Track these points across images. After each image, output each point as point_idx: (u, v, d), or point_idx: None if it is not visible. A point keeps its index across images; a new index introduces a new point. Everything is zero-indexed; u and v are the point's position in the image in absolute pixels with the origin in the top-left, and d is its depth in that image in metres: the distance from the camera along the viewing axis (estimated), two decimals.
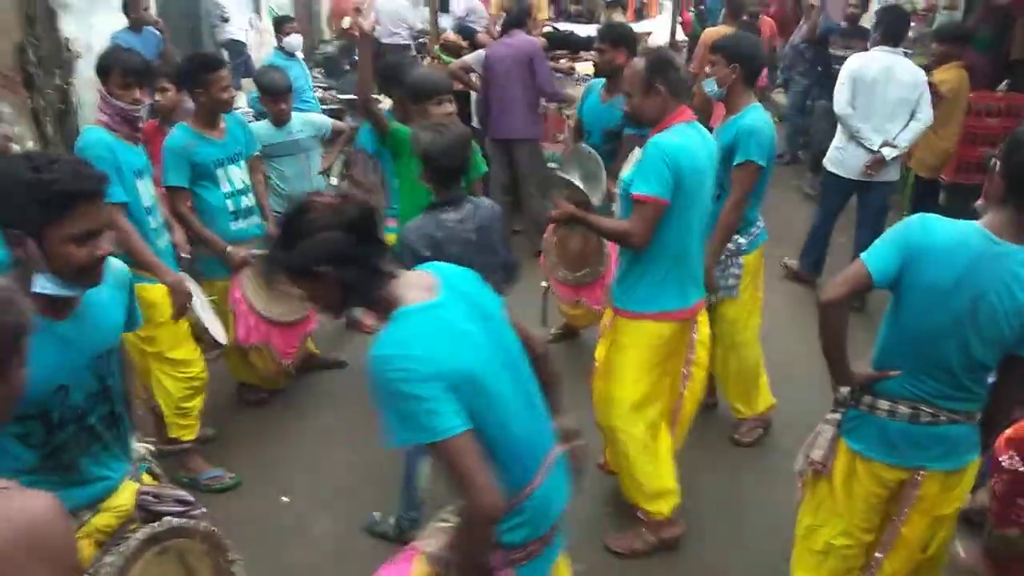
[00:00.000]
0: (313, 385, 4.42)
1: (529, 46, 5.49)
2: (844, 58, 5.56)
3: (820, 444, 2.40)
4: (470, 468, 1.65)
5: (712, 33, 7.64)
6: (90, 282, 1.84)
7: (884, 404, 2.26)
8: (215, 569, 2.01)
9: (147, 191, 3.29)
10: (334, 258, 1.71)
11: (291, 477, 3.66)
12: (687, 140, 2.78)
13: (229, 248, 3.67)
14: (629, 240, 2.83)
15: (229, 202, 3.73)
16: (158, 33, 6.30)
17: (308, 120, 4.62)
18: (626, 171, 2.98)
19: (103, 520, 1.97)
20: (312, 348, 4.46)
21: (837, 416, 2.39)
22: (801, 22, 8.11)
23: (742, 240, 3.46)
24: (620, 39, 4.29)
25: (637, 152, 2.96)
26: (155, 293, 3.24)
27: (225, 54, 7.82)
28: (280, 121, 4.34)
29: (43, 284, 1.74)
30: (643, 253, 2.85)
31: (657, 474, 3.06)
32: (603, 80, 4.45)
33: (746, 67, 3.35)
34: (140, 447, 2.21)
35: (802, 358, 4.06)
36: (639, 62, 2.87)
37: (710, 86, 3.43)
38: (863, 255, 2.19)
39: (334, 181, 5.44)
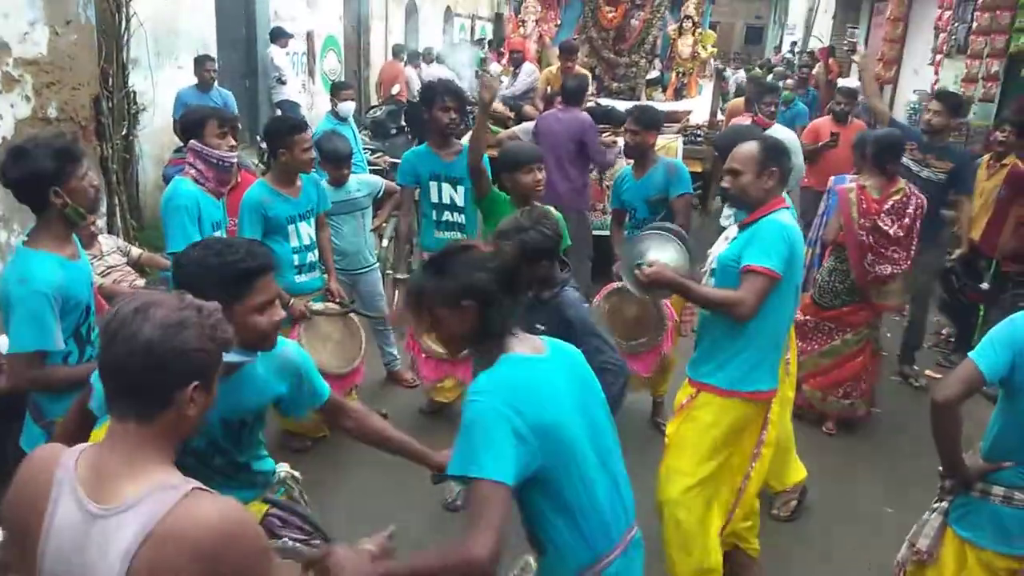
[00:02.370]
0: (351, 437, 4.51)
1: (580, 122, 5.70)
2: (918, 175, 4.93)
3: (927, 532, 2.34)
4: (489, 518, 1.66)
5: (734, 105, 8.03)
6: (269, 346, 2.02)
7: (999, 491, 2.23)
8: None
9: None
10: (484, 296, 1.87)
11: (331, 525, 3.72)
12: (792, 225, 2.79)
13: (292, 300, 3.84)
14: (738, 309, 2.72)
15: (296, 256, 3.94)
16: (225, 92, 6.61)
17: (364, 180, 4.84)
18: (720, 248, 2.97)
19: None
20: (355, 399, 4.57)
21: (944, 504, 2.35)
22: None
23: None
24: (652, 122, 4.59)
25: (732, 230, 2.98)
26: None
27: (279, 113, 8.18)
28: (339, 182, 4.56)
29: (232, 356, 1.89)
30: (744, 331, 2.78)
31: (707, 552, 2.98)
32: (628, 167, 4.72)
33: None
34: (284, 470, 2.35)
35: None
36: (752, 144, 2.85)
37: None
38: (972, 354, 2.21)
39: (385, 242, 5.63)
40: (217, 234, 3.46)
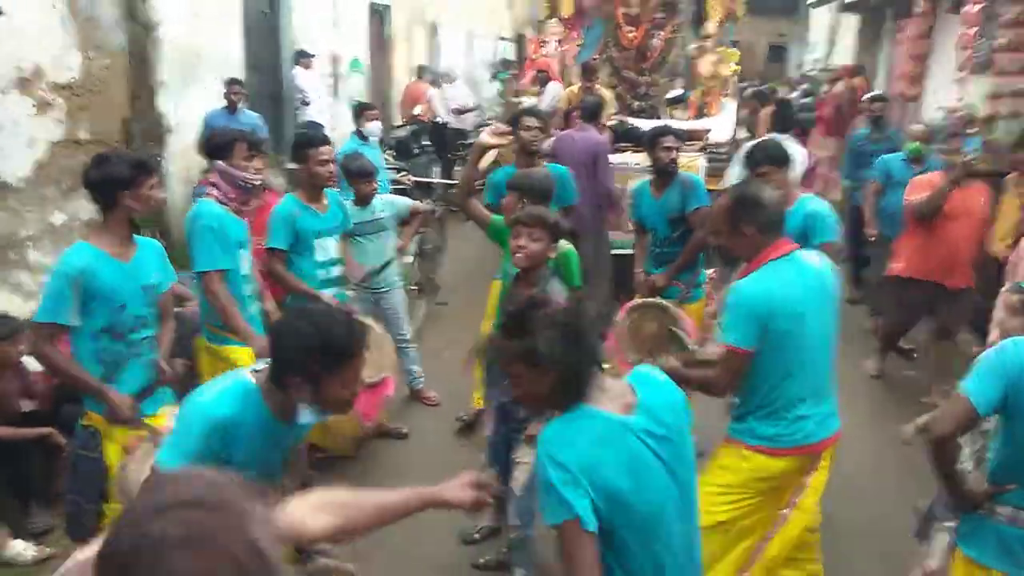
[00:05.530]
0: (376, 454, 4.54)
1: (595, 143, 5.74)
2: None
3: (935, 552, 2.34)
4: (579, 558, 1.70)
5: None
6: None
7: (1005, 510, 2.21)
8: None
9: (246, 260, 3.56)
10: (563, 361, 1.78)
11: (354, 544, 3.74)
12: (774, 280, 2.63)
13: (322, 294, 3.92)
14: (712, 391, 2.73)
15: (320, 271, 4.02)
16: (252, 114, 6.72)
17: (389, 201, 4.90)
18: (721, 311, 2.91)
19: None
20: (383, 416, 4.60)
21: (952, 524, 2.34)
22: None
23: None
24: (683, 138, 4.71)
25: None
26: (242, 355, 3.44)
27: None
28: (364, 200, 4.62)
29: (306, 416, 2.04)
30: (748, 388, 2.71)
31: None
32: (645, 182, 4.72)
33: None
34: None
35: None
36: (725, 200, 2.77)
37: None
38: (964, 388, 2.19)
39: (408, 259, 5.68)
40: (242, 252, 3.53)
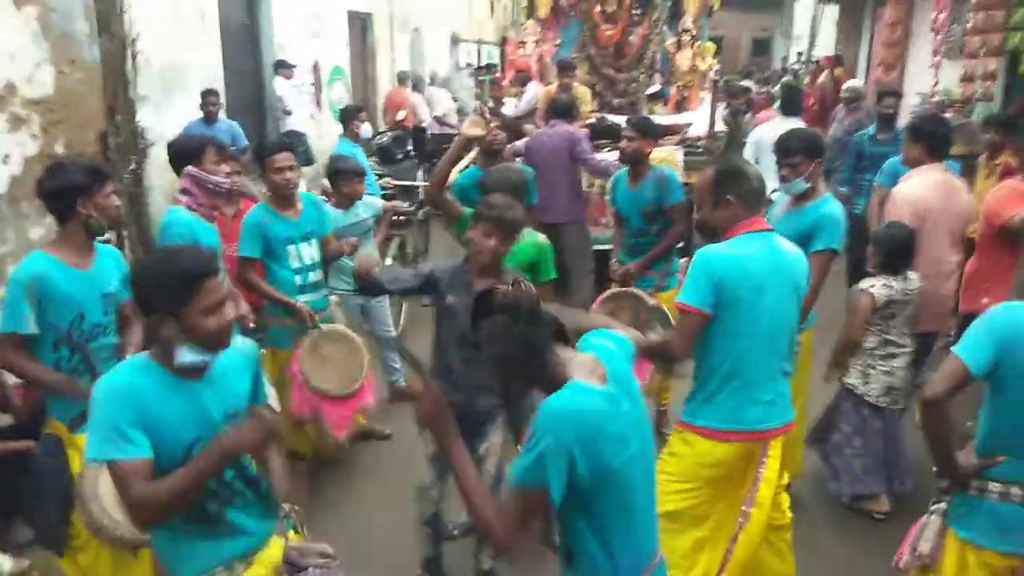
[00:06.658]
0: (359, 454, 4.55)
1: (567, 136, 5.77)
2: None
3: (927, 536, 2.30)
4: (526, 519, 1.81)
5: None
6: (222, 346, 2.07)
7: (996, 487, 2.21)
8: None
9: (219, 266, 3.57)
10: (501, 341, 1.85)
11: (334, 542, 3.75)
12: (740, 250, 2.60)
13: (298, 303, 3.94)
14: (666, 350, 2.67)
15: (297, 277, 4.02)
16: (231, 123, 6.76)
17: (367, 203, 4.94)
18: None
19: (256, 572, 2.14)
20: (360, 419, 4.60)
21: (942, 505, 2.32)
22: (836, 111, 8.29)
23: None
24: (648, 130, 4.64)
25: None
26: None
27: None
28: (352, 200, 4.68)
29: (184, 355, 1.99)
30: (700, 365, 2.71)
31: None
32: (624, 171, 4.76)
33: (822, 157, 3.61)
34: (285, 506, 2.36)
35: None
36: (710, 172, 2.75)
37: (797, 187, 3.52)
38: (956, 349, 2.17)
39: (388, 261, 5.70)
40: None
